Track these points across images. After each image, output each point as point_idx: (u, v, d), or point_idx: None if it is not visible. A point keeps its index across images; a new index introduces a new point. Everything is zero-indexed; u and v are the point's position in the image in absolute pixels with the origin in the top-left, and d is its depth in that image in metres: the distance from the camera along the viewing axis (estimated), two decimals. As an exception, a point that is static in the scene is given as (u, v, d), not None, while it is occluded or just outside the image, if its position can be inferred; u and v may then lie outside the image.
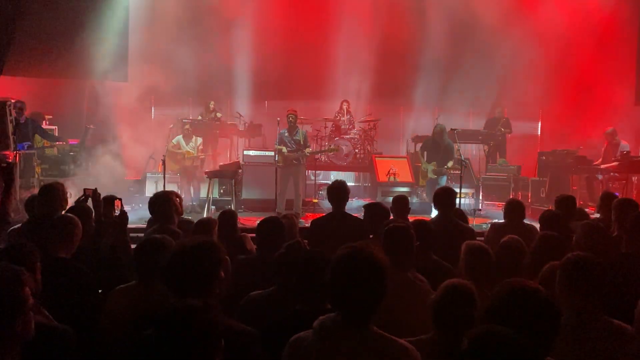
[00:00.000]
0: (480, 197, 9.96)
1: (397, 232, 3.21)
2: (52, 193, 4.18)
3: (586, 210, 8.08)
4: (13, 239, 3.74)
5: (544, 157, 9.95)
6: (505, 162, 10.75)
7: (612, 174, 8.99)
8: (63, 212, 3.92)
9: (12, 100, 7.82)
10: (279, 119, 8.79)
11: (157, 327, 1.75)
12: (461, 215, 4.98)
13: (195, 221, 4.41)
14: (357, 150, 10.82)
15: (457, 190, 7.38)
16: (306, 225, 6.05)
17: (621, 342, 2.36)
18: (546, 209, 7.19)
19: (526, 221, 4.85)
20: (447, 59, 12.08)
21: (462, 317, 2.25)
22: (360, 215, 4.90)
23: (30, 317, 1.99)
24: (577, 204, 5.67)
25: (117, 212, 4.01)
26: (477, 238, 4.75)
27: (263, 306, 2.84)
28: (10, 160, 6.69)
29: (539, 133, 13.19)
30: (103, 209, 4.00)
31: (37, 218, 4.11)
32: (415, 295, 2.89)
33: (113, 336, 2.75)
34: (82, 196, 4.28)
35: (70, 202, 4.49)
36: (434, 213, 7.80)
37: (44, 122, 9.71)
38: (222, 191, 9.89)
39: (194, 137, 9.29)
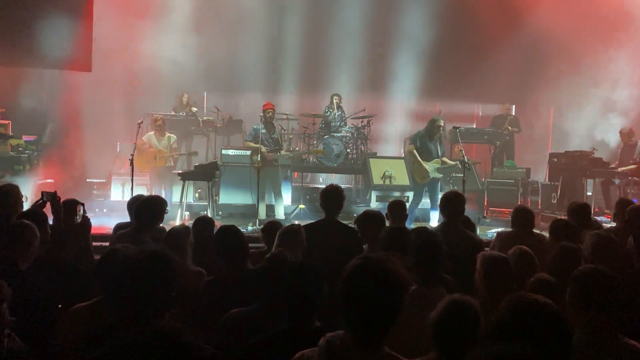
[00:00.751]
0: (485, 203, 10.03)
1: (427, 242, 3.21)
2: (6, 197, 4.14)
3: (602, 218, 8.23)
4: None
5: (556, 159, 10.02)
6: (513, 164, 10.84)
7: (630, 178, 9.08)
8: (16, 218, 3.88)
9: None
10: (261, 114, 8.81)
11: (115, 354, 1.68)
12: (468, 222, 4.93)
13: (166, 229, 4.41)
14: (349, 150, 10.81)
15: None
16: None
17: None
18: (558, 216, 7.28)
19: (536, 230, 4.88)
20: (450, 51, 12.18)
21: (465, 336, 2.26)
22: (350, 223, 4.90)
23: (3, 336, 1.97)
24: (593, 212, 5.69)
25: (79, 219, 3.98)
26: (484, 248, 4.80)
27: (246, 324, 2.85)
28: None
29: (550, 132, 13.31)
30: (63, 215, 3.97)
31: (-13, 225, 4.07)
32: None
33: (70, 360, 2.74)
34: (39, 200, 4.24)
35: (26, 206, 4.46)
36: (434, 220, 7.91)
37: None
38: (197, 195, 9.86)
39: (167, 134, 9.26)
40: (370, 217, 4.50)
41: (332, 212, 4.76)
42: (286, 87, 12.30)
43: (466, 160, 7.98)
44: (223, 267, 3.69)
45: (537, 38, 11.52)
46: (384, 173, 10.02)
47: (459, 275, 3.56)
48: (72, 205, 4.06)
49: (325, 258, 3.35)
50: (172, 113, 10.89)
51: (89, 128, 9.70)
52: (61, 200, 4.08)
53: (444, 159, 8.36)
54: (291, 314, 2.52)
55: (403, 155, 11.38)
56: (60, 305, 3.25)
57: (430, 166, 8.14)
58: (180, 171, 8.87)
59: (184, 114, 10.95)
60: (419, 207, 8.43)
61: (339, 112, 11.11)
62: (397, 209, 5.01)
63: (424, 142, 8.26)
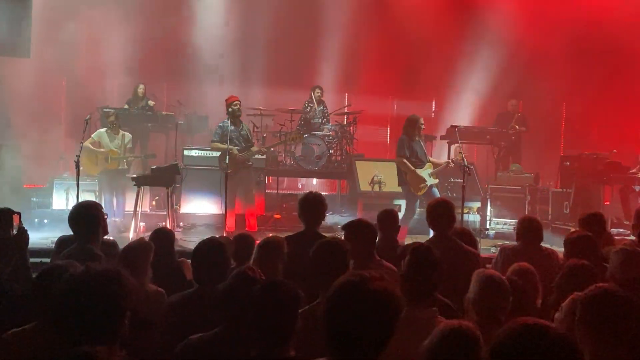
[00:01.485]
0: (488, 213, 10.10)
1: (421, 255, 3.23)
2: None
3: (621, 230, 8.34)
4: None
5: (568, 163, 10.11)
6: (520, 169, 10.93)
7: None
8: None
9: None
10: (229, 109, 8.75)
11: None
12: (469, 237, 4.96)
13: (116, 242, 4.40)
14: (332, 151, 10.82)
15: (458, 204, 7.44)
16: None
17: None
18: (570, 228, 7.36)
19: (545, 244, 4.92)
20: (449, 41, 12.29)
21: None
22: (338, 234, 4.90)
23: None
24: (610, 223, 5.75)
25: (15, 230, 3.94)
26: (486, 265, 4.84)
27: (206, 352, 2.84)
28: None
29: (562, 133, 13.46)
30: (-4, 226, 3.92)
31: None
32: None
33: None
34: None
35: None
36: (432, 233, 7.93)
37: None
38: (154, 203, 9.80)
39: (120, 132, 9.21)
40: (361, 228, 4.36)
41: (312, 223, 4.77)
42: (260, 79, 12.31)
43: (466, 164, 8.01)
44: (194, 286, 3.67)
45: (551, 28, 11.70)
46: (373, 178, 10.00)
47: (456, 296, 3.53)
48: (7, 214, 4.01)
49: (304, 276, 3.37)
50: (126, 107, 10.81)
51: (26, 124, 9.58)
52: (-6, 209, 4.04)
53: (431, 159, 8.47)
54: (261, 341, 2.52)
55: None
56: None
57: (424, 172, 8.17)
58: (134, 175, 8.82)
59: (140, 108, 10.89)
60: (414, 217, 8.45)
61: (321, 108, 11.13)
62: (388, 219, 5.03)
63: (410, 147, 8.30)
